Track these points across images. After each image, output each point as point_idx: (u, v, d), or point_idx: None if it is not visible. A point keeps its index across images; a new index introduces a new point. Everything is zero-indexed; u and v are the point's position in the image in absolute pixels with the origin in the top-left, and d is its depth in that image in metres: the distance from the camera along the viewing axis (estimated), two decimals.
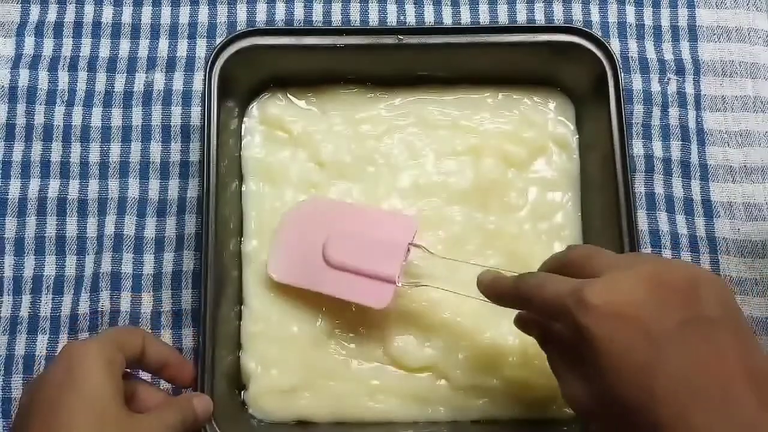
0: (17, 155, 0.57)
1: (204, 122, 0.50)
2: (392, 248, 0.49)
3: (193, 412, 0.44)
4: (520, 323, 0.45)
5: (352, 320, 0.52)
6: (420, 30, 0.53)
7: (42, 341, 0.54)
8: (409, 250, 0.49)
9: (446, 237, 0.53)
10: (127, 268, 0.55)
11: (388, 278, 0.48)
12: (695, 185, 0.57)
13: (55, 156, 0.57)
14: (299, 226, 0.52)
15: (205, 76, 0.50)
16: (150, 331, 0.53)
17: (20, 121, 0.58)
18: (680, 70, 0.59)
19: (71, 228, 0.56)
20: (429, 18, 0.61)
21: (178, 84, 0.59)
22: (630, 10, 0.61)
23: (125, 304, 0.54)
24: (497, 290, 0.43)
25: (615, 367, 0.34)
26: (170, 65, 0.59)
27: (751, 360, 0.34)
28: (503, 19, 0.61)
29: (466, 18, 0.61)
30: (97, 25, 0.60)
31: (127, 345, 0.42)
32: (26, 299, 0.54)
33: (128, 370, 0.44)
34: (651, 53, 0.60)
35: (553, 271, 0.40)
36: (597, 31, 0.56)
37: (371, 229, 0.50)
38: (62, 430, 0.37)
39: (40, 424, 0.38)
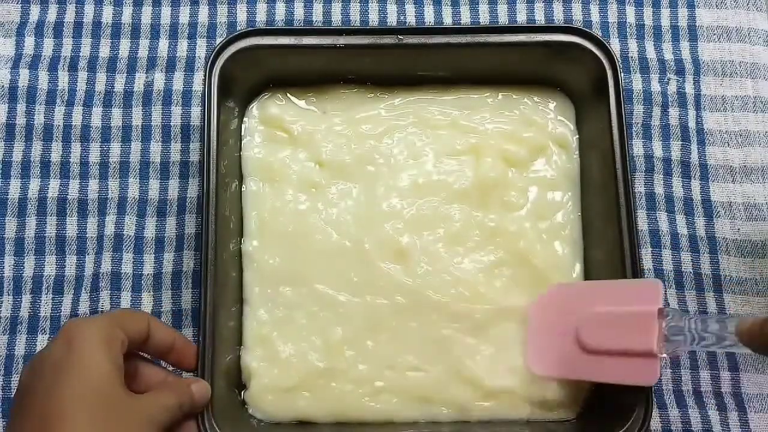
0: (17, 155, 0.57)
1: (204, 122, 0.50)
2: (643, 319, 0.45)
3: (191, 397, 0.44)
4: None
5: (356, 321, 0.52)
6: (420, 30, 0.53)
7: (42, 341, 0.54)
8: (660, 315, 0.45)
9: (446, 235, 0.53)
10: (127, 268, 0.55)
11: (647, 352, 0.44)
12: (695, 185, 0.57)
13: (55, 156, 0.57)
14: (547, 315, 0.51)
15: (205, 76, 0.50)
16: None
17: (20, 121, 0.58)
18: (680, 70, 0.59)
19: (71, 228, 0.56)
20: (429, 18, 0.61)
21: (178, 84, 0.59)
22: (630, 10, 0.61)
23: (125, 304, 0.54)
24: (759, 338, 0.40)
25: None
26: (170, 65, 0.59)
27: None
28: (503, 19, 0.61)
29: (466, 18, 0.61)
30: (97, 25, 0.60)
31: (130, 325, 0.42)
32: (26, 299, 0.55)
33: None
34: (651, 53, 0.60)
35: None
36: (597, 31, 0.56)
37: (617, 304, 0.47)
38: (60, 409, 0.37)
39: (37, 401, 0.38)
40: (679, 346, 0.44)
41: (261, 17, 0.60)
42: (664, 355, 0.44)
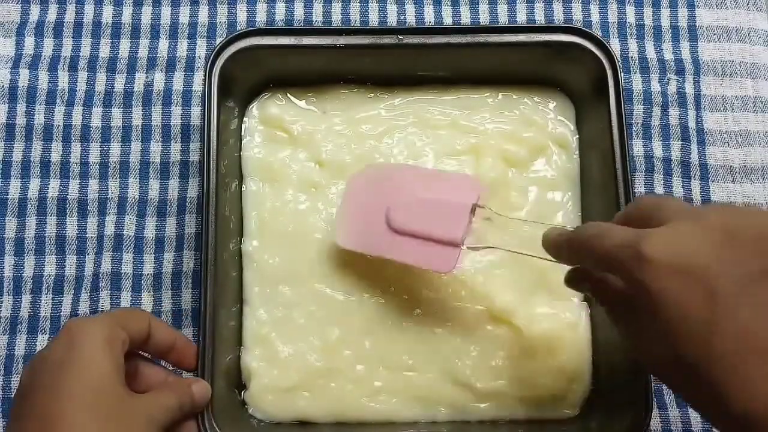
0: (17, 155, 0.57)
1: (204, 122, 0.50)
2: (457, 210, 0.46)
3: (191, 398, 0.44)
4: (572, 280, 0.42)
5: (354, 320, 0.52)
6: (420, 30, 0.53)
7: (42, 341, 0.54)
8: (473, 211, 0.46)
9: None
10: (127, 268, 0.55)
11: (452, 241, 0.46)
12: (695, 185, 0.57)
13: (55, 156, 0.57)
14: (363, 193, 0.51)
15: (205, 76, 0.50)
16: None
17: (20, 121, 0.58)
18: (680, 70, 0.59)
19: (71, 228, 0.56)
20: (429, 18, 0.61)
21: (178, 84, 0.59)
22: (630, 10, 0.61)
23: (125, 304, 0.54)
24: (556, 243, 0.40)
25: (675, 323, 0.32)
26: (170, 65, 0.59)
27: None
28: (503, 19, 0.61)
29: (466, 18, 0.61)
30: (97, 25, 0.60)
31: (131, 324, 0.42)
32: (26, 299, 0.55)
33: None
34: (651, 53, 0.60)
35: (621, 224, 0.37)
36: (597, 31, 0.56)
37: (435, 192, 0.48)
38: (61, 409, 0.37)
39: (38, 401, 0.38)
40: (484, 242, 0.45)
41: (261, 17, 0.60)
42: (466, 247, 0.46)
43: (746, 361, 0.31)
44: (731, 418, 0.31)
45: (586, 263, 0.39)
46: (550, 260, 0.42)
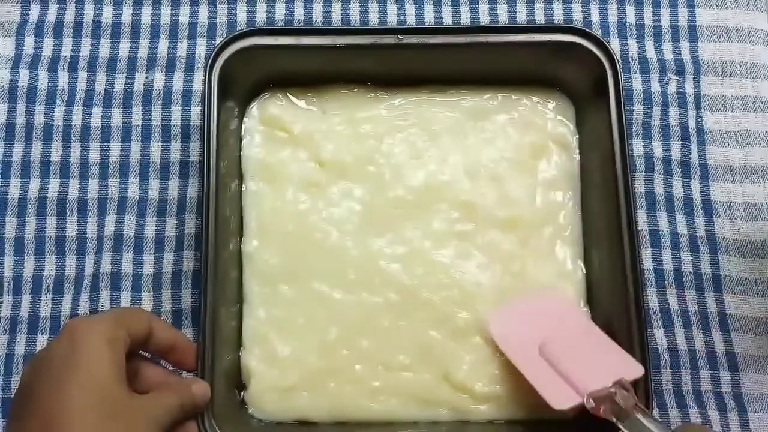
0: (17, 155, 0.57)
1: (204, 122, 0.50)
2: (602, 371, 0.46)
3: (192, 398, 0.44)
4: None
5: (353, 320, 0.52)
6: (420, 30, 0.53)
7: (42, 341, 0.54)
8: (616, 385, 0.45)
9: (446, 235, 0.53)
10: (127, 268, 0.55)
11: (578, 389, 0.46)
12: (695, 185, 0.57)
13: (55, 156, 0.57)
14: (536, 307, 0.52)
15: (205, 76, 0.50)
16: None
17: (20, 121, 0.58)
18: (680, 70, 0.59)
19: (71, 228, 0.56)
20: (429, 18, 0.61)
21: (178, 84, 0.59)
22: (630, 10, 0.61)
23: (125, 304, 0.54)
24: None
25: None
26: (170, 65, 0.59)
27: None
28: (503, 19, 0.61)
29: (466, 18, 0.61)
30: (97, 25, 0.60)
31: (132, 324, 0.42)
32: (26, 299, 0.54)
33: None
34: (651, 53, 0.60)
35: None
36: (597, 31, 0.56)
37: (595, 348, 0.49)
38: (63, 409, 0.37)
39: (40, 401, 0.38)
40: (609, 414, 0.44)
41: (261, 17, 0.60)
42: (589, 404, 0.45)
43: None
44: None
45: None
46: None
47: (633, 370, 0.46)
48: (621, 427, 0.44)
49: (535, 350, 0.49)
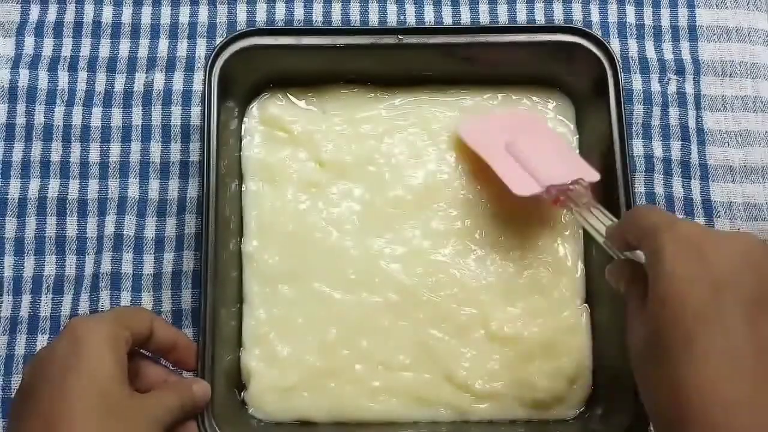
0: (17, 155, 0.57)
1: (204, 122, 0.50)
2: (564, 170, 0.50)
3: (192, 398, 0.44)
4: (614, 270, 0.43)
5: (352, 320, 0.52)
6: (420, 30, 0.53)
7: (42, 341, 0.54)
8: (575, 183, 0.49)
9: (447, 234, 0.53)
10: (127, 268, 0.55)
11: (541, 180, 0.50)
12: (695, 185, 0.57)
13: (55, 156, 0.57)
14: (502, 117, 0.56)
15: (205, 76, 0.50)
16: None
17: (20, 121, 0.58)
18: (680, 70, 0.59)
19: (71, 228, 0.56)
20: (429, 18, 0.61)
21: (178, 84, 0.59)
22: (630, 10, 0.61)
23: (125, 304, 0.54)
24: (614, 226, 0.43)
25: (668, 297, 0.33)
26: (170, 65, 0.59)
27: None
28: (503, 19, 0.61)
29: (466, 18, 0.61)
30: (97, 25, 0.60)
31: (134, 323, 0.42)
32: (26, 299, 0.54)
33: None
34: (651, 53, 0.60)
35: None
36: (597, 31, 0.56)
37: (559, 152, 0.53)
38: (64, 408, 0.37)
39: (42, 400, 0.38)
40: (566, 203, 0.49)
41: (261, 17, 0.60)
42: (545, 193, 0.50)
43: (722, 369, 0.31)
44: (682, 413, 0.32)
45: (629, 235, 0.40)
46: (609, 249, 0.44)
47: (591, 174, 0.51)
48: (576, 217, 0.48)
49: (501, 147, 0.53)
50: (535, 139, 0.53)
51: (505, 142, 0.53)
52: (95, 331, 0.39)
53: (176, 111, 0.58)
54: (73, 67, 0.59)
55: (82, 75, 0.59)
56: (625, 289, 0.41)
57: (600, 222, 0.46)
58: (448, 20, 0.61)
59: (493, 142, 0.53)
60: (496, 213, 0.54)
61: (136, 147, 0.57)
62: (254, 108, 0.56)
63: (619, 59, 0.52)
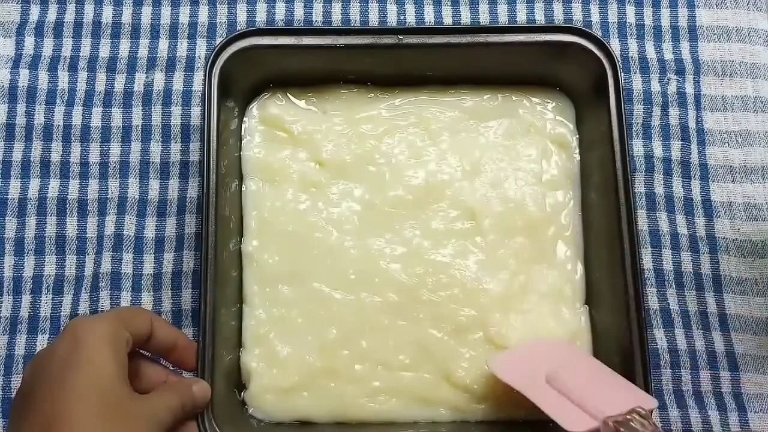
0: (17, 155, 0.57)
1: (204, 122, 0.50)
2: (617, 399, 0.45)
3: (192, 398, 0.44)
4: None
5: (352, 320, 0.52)
6: (420, 30, 0.53)
7: (42, 341, 0.54)
8: (633, 414, 0.44)
9: (447, 234, 0.53)
10: (127, 268, 0.55)
11: (594, 413, 0.44)
12: (695, 185, 0.57)
13: (55, 156, 0.57)
14: (536, 348, 0.51)
15: (205, 76, 0.50)
16: None
17: (20, 121, 0.58)
18: (680, 70, 0.59)
19: (71, 228, 0.56)
20: (429, 18, 0.61)
21: (178, 84, 0.59)
22: (630, 10, 0.61)
23: (125, 304, 0.54)
24: None
25: None
26: (170, 65, 0.59)
27: None
28: (503, 19, 0.61)
29: (466, 18, 0.61)
30: (97, 25, 0.60)
31: (134, 324, 0.42)
32: (26, 299, 0.54)
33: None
34: (651, 53, 0.60)
35: None
36: (597, 31, 0.56)
37: (606, 379, 0.48)
38: (65, 408, 0.37)
39: (42, 400, 0.38)
40: None
41: (261, 17, 0.60)
42: (602, 425, 0.44)
43: None
44: None
45: None
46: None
47: (647, 401, 0.46)
48: None
49: (542, 381, 0.48)
50: (577, 369, 0.49)
51: (545, 375, 0.48)
52: (96, 332, 0.39)
53: (176, 111, 0.58)
54: (73, 67, 0.59)
55: (82, 75, 0.59)
56: None
57: None
58: (448, 20, 0.61)
59: (531, 374, 0.48)
60: (496, 212, 0.54)
61: (136, 147, 0.57)
62: (254, 108, 0.56)
63: (619, 59, 0.52)
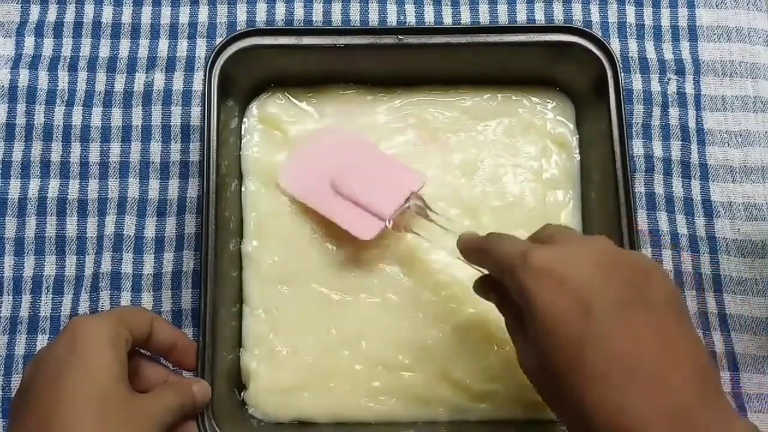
0: (17, 155, 0.57)
1: (204, 122, 0.50)
2: (394, 191, 0.50)
3: (192, 398, 0.44)
4: (479, 288, 0.46)
5: (352, 320, 0.52)
6: (420, 30, 0.53)
7: (42, 341, 0.54)
8: (409, 200, 0.50)
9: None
10: (127, 268, 0.55)
11: (380, 215, 0.50)
12: (695, 185, 0.57)
13: (55, 156, 0.57)
14: (316, 149, 0.54)
15: (205, 76, 0.50)
16: None
17: (20, 121, 0.58)
18: (680, 70, 0.59)
19: (71, 228, 0.56)
20: (429, 18, 0.61)
21: (178, 84, 0.59)
22: (630, 10, 0.61)
23: (125, 304, 0.54)
24: (468, 246, 0.44)
25: (548, 332, 0.35)
26: (170, 65, 0.59)
27: (696, 355, 0.34)
28: (503, 19, 0.61)
29: (466, 18, 0.61)
30: (97, 25, 0.60)
31: (134, 323, 0.42)
32: (26, 299, 0.55)
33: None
34: (651, 53, 0.60)
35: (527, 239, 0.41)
36: (597, 31, 0.56)
37: (381, 171, 0.52)
38: (64, 408, 0.37)
39: (42, 399, 0.38)
40: (408, 228, 0.50)
41: (261, 17, 0.60)
42: (390, 224, 0.50)
43: (613, 377, 0.33)
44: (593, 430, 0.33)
45: (487, 266, 0.43)
46: (462, 260, 0.45)
47: (415, 180, 0.51)
48: (421, 236, 0.49)
49: (328, 188, 0.52)
50: (363, 166, 0.53)
51: (330, 182, 0.52)
52: (95, 331, 0.39)
53: (176, 111, 0.58)
54: (73, 67, 0.59)
55: (82, 75, 0.59)
56: (498, 305, 0.43)
57: (443, 228, 0.47)
58: (448, 20, 0.61)
59: (317, 183, 0.52)
60: (495, 212, 0.54)
61: (136, 147, 0.57)
62: (254, 108, 0.56)
63: (619, 59, 0.52)
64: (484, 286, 0.45)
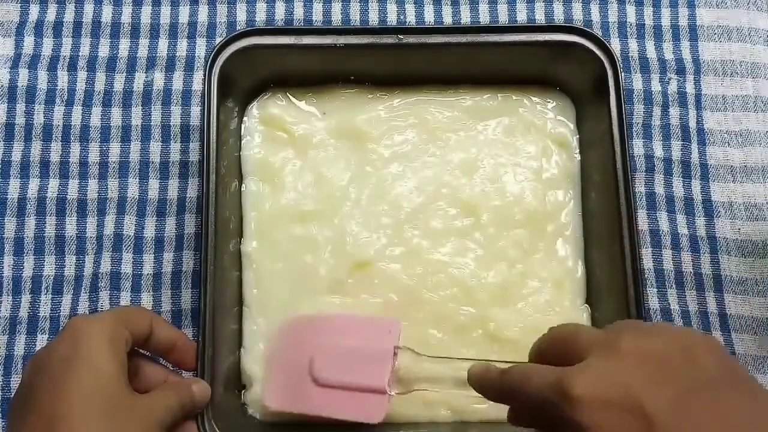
0: (17, 155, 0.57)
1: (204, 122, 0.50)
2: (378, 356, 0.45)
3: (192, 398, 0.44)
4: (514, 419, 0.39)
5: None
6: (420, 30, 0.53)
7: (42, 341, 0.54)
8: (396, 354, 0.46)
9: (447, 233, 0.53)
10: (127, 268, 0.55)
11: (378, 389, 0.45)
12: (696, 185, 0.57)
13: (55, 156, 0.57)
14: (285, 349, 0.50)
15: (204, 75, 0.50)
16: None
17: (20, 120, 0.58)
18: (681, 70, 0.59)
19: (70, 228, 0.56)
20: (429, 18, 0.61)
21: (177, 84, 0.59)
22: (630, 10, 0.61)
23: (125, 304, 0.54)
24: (484, 384, 0.39)
25: None
26: (170, 65, 0.59)
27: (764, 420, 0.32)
28: (503, 19, 0.61)
29: (466, 18, 0.61)
30: (96, 24, 0.60)
31: (134, 323, 0.42)
32: (26, 299, 0.54)
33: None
34: (651, 53, 0.60)
35: (538, 359, 0.38)
36: (597, 31, 0.56)
37: (354, 339, 0.47)
38: (64, 408, 0.37)
39: (42, 399, 0.38)
40: (411, 386, 0.44)
41: (261, 17, 0.60)
42: (394, 393, 0.44)
43: None
44: None
45: (515, 405, 0.39)
46: (479, 396, 0.40)
47: (394, 332, 0.46)
48: (429, 390, 0.44)
49: (313, 386, 0.46)
50: (329, 346, 0.47)
51: (310, 377, 0.46)
52: (95, 331, 0.39)
53: (176, 111, 0.58)
54: (72, 67, 0.59)
55: (82, 75, 0.59)
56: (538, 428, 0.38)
57: (444, 358, 0.43)
58: (448, 20, 0.60)
59: (300, 388, 0.47)
60: (495, 212, 0.54)
61: (135, 147, 0.57)
62: (254, 108, 0.56)
63: (620, 59, 0.52)
64: (515, 419, 0.39)
